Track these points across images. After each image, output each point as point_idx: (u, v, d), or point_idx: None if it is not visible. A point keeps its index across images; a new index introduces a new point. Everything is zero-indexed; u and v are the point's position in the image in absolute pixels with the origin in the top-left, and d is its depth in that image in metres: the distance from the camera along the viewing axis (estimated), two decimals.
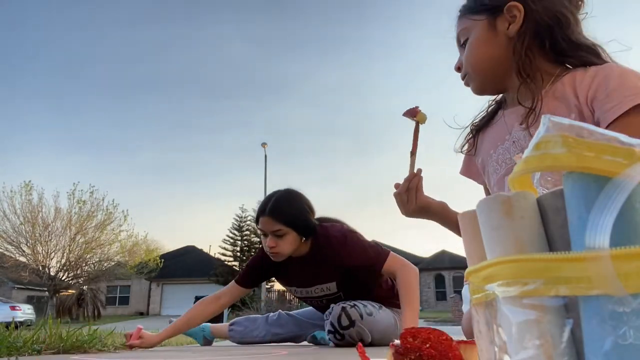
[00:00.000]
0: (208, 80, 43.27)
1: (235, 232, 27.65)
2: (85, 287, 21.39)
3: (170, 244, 42.80)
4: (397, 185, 1.09)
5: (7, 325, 1.87)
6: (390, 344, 0.48)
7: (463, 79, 1.07)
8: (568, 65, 0.97)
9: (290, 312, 2.35)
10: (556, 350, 0.31)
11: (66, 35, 39.83)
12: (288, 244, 1.84)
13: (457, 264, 26.07)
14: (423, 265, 25.77)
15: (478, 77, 1.04)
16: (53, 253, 19.37)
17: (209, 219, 44.39)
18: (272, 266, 1.96)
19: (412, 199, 1.06)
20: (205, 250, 31.72)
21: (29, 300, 22.17)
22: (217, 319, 8.75)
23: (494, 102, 1.12)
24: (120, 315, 25.78)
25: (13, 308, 14.42)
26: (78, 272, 20.42)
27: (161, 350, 1.86)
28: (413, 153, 1.09)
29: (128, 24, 40.61)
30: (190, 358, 1.30)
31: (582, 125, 0.33)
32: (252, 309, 12.44)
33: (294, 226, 1.83)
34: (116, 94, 41.13)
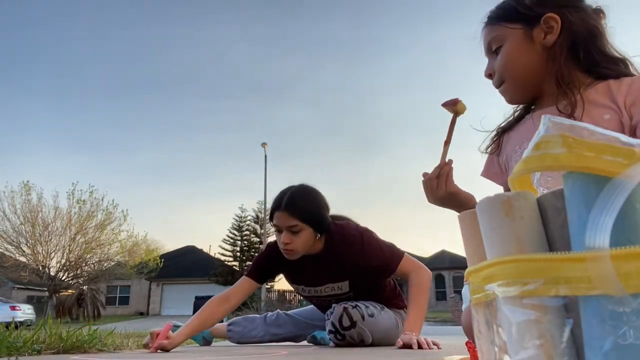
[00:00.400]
0: (208, 80, 43.30)
1: (235, 232, 27.65)
2: (85, 287, 21.39)
3: (170, 244, 42.79)
4: (425, 175, 1.12)
5: (7, 325, 1.87)
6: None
7: (497, 87, 1.09)
8: (598, 76, 1.01)
9: (289, 312, 2.34)
10: (556, 350, 0.31)
11: (66, 35, 39.87)
12: (303, 241, 1.80)
13: (457, 264, 26.08)
14: None
15: (517, 87, 1.06)
16: (53, 253, 19.40)
17: (209, 219, 44.43)
18: (284, 261, 1.91)
19: (442, 185, 1.09)
20: (205, 250, 31.75)
21: (29, 300, 22.17)
22: None
23: (520, 108, 1.14)
24: (120, 315, 25.78)
25: (13, 308, 14.42)
26: (78, 272, 20.43)
27: (161, 350, 1.86)
28: (447, 142, 1.12)
29: (128, 24, 40.64)
30: (190, 358, 1.30)
31: (582, 125, 0.33)
32: (252, 308, 12.43)
33: (310, 222, 1.79)
34: (116, 94, 41.15)
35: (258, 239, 27.05)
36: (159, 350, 1.59)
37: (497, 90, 1.10)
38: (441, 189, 1.09)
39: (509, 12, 1.04)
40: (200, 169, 43.43)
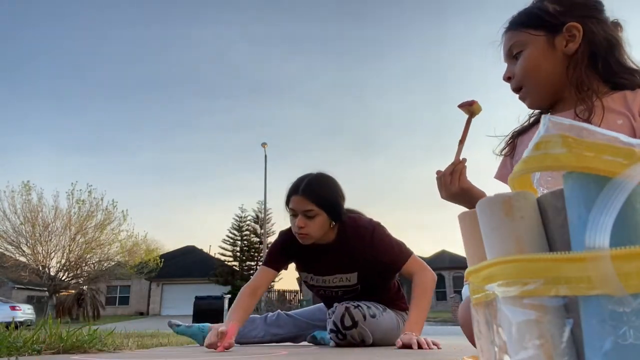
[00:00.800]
0: (208, 80, 43.30)
1: (235, 232, 27.67)
2: (85, 287, 21.39)
3: (170, 244, 42.85)
4: (439, 172, 1.15)
5: (7, 325, 1.87)
6: None
7: (517, 91, 1.11)
8: (615, 86, 1.03)
9: (289, 313, 2.34)
10: (556, 350, 0.31)
11: (66, 36, 39.87)
12: (317, 226, 1.81)
13: (457, 264, 26.11)
14: None
15: (537, 92, 1.08)
16: (53, 253, 19.38)
17: (209, 219, 44.47)
18: (297, 247, 1.92)
19: (455, 181, 1.12)
20: (205, 250, 31.77)
21: (29, 300, 22.18)
22: (217, 318, 8.72)
23: (536, 113, 1.16)
24: (120, 315, 25.78)
25: (13, 308, 14.40)
26: (78, 272, 20.41)
27: (161, 350, 1.86)
28: (462, 141, 1.15)
29: (128, 24, 40.63)
30: (190, 358, 1.30)
31: (582, 125, 0.33)
32: None
33: (326, 208, 1.81)
34: (116, 94, 41.16)
35: (258, 239, 27.06)
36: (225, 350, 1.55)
37: (515, 94, 1.12)
38: (454, 185, 1.12)
39: (532, 19, 1.07)
40: (200, 169, 43.50)
